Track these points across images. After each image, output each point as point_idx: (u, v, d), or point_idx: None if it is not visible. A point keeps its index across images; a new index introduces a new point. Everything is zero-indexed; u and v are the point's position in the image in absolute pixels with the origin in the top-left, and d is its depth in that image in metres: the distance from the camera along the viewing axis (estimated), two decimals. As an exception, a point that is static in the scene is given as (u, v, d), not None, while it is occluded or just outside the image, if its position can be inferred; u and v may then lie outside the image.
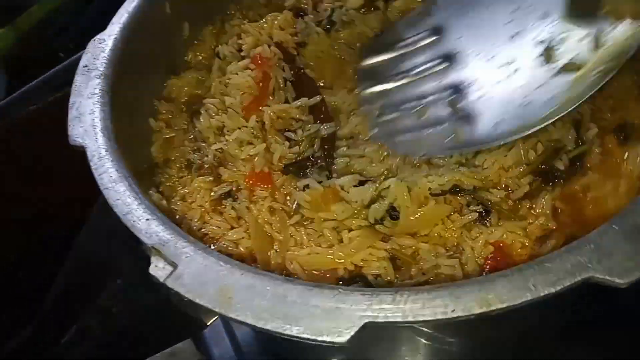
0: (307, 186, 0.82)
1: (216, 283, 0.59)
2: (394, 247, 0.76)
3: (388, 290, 0.57)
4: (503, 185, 0.78)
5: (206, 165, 0.91)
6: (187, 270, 0.61)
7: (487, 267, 0.72)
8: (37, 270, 1.11)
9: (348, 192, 0.79)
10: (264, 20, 1.05)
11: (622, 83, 0.84)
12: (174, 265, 0.61)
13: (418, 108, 0.85)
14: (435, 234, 0.76)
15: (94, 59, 0.86)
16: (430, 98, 0.85)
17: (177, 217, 0.85)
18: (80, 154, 0.77)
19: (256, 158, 0.87)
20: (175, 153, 0.95)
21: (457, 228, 0.76)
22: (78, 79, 0.83)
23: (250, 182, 0.86)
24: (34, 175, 1.28)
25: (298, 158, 0.88)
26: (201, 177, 0.89)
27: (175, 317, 0.90)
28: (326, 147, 0.87)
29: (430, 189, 0.77)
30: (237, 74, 0.96)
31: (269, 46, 0.98)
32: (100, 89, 0.81)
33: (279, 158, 0.87)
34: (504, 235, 0.74)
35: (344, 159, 0.86)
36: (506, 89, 0.79)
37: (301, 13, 1.07)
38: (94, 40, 0.89)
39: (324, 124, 0.90)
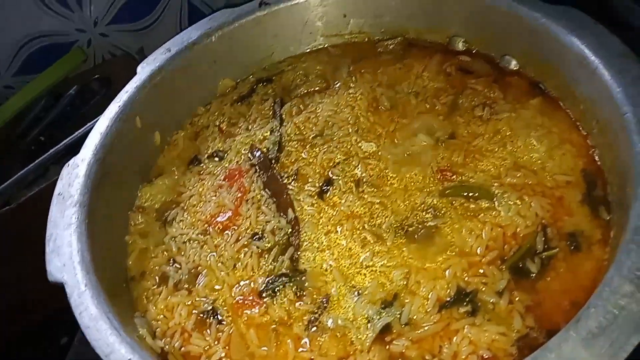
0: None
1: None
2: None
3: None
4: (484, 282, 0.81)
5: (182, 278, 0.91)
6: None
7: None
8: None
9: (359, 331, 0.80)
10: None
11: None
12: (159, 409, 0.62)
13: None
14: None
15: (69, 185, 0.88)
16: None
17: (157, 333, 0.86)
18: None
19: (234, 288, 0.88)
20: (150, 265, 0.95)
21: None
22: (54, 209, 0.85)
23: (236, 306, 0.86)
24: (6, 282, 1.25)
25: (272, 277, 0.87)
26: (178, 292, 0.89)
27: None
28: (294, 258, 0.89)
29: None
30: (214, 194, 1.00)
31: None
32: (76, 218, 0.83)
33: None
34: (489, 340, 0.75)
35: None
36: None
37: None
38: (67, 166, 0.91)
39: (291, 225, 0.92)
